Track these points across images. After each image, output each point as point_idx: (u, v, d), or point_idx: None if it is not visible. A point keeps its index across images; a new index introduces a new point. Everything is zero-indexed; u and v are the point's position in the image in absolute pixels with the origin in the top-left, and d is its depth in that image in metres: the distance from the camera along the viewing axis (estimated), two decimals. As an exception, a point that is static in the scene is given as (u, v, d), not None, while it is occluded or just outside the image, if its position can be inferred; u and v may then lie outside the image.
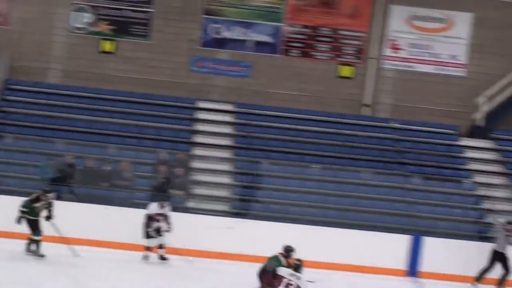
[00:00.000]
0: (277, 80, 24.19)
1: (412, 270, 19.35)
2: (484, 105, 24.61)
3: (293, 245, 14.45)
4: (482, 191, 22.32)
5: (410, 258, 19.41)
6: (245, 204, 20.47)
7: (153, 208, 17.12)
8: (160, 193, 18.95)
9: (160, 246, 17.13)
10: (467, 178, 22.80)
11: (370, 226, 19.87)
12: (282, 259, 14.44)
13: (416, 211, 21.22)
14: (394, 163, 23.05)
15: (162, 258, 17.12)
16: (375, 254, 19.10)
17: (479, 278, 19.04)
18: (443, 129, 24.41)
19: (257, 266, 13.85)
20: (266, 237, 18.11)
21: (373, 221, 20.32)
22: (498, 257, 19.21)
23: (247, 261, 17.31)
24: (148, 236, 17.04)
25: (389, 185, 22.18)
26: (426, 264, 19.32)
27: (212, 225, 18.71)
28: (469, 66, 24.95)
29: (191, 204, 20.19)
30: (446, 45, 24.86)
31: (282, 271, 14.51)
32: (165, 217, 17.17)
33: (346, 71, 24.63)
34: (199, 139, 22.66)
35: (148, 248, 17.12)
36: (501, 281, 19.02)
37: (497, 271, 18.69)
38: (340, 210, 20.88)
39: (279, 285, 14.50)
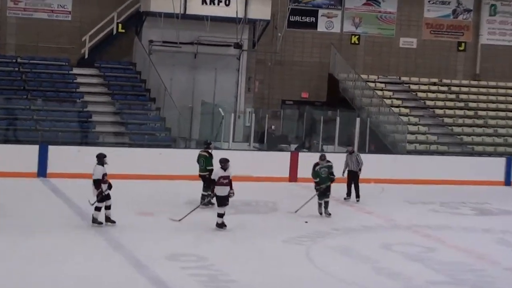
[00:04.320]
0: None
1: (42, 172, 21.45)
2: (88, 42, 27.29)
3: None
4: (91, 107, 25.19)
5: (39, 163, 21.36)
6: None
7: None
8: None
9: None
10: (79, 98, 25.50)
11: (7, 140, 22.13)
12: None
13: (40, 126, 23.61)
14: (21, 90, 25.42)
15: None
16: (8, 161, 20.67)
17: None
18: (58, 61, 26.95)
19: None
20: None
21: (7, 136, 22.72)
22: None
23: None
24: None
25: (18, 107, 24.51)
26: (52, 167, 21.52)
27: None
28: (74, 13, 27.76)
29: None
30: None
31: None
32: None
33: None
34: None
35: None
36: None
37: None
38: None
39: None
